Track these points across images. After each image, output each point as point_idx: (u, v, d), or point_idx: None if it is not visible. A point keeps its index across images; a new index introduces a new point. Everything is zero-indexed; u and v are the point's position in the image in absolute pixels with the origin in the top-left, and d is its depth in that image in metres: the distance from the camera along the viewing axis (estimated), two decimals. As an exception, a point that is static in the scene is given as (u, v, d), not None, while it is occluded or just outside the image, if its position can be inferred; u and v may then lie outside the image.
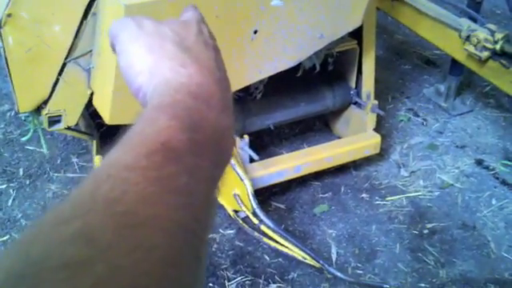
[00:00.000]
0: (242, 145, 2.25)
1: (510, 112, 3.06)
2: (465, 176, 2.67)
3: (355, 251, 2.29)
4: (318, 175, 2.57)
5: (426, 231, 2.38)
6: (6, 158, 2.72)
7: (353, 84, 2.58)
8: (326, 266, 2.11)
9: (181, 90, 0.48)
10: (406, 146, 2.84)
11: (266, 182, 2.35)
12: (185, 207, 0.39)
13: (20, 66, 1.86)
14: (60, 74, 1.92)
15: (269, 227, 2.15)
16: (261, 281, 2.16)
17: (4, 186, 2.56)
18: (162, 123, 0.43)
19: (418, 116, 3.05)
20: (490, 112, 3.09)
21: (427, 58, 3.52)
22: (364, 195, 2.55)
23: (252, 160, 2.28)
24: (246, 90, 2.32)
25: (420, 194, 2.57)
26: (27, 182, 2.58)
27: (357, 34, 2.40)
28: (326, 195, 2.55)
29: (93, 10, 1.85)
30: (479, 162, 2.75)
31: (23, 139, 2.63)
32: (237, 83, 2.07)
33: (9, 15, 1.75)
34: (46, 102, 1.97)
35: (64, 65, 1.91)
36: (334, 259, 2.25)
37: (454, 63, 2.89)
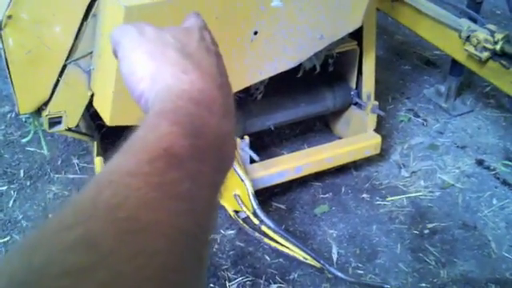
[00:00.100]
0: (243, 145, 2.25)
1: (510, 112, 3.06)
2: (465, 176, 2.67)
3: (356, 251, 2.30)
4: (319, 176, 2.57)
5: (426, 231, 2.38)
6: (6, 159, 2.73)
7: (353, 85, 2.58)
8: (327, 266, 2.11)
9: (182, 96, 0.48)
10: (407, 147, 2.84)
11: (266, 183, 2.35)
12: (187, 213, 0.39)
13: (20, 68, 1.86)
14: (60, 75, 1.92)
15: (269, 227, 2.15)
16: (261, 281, 2.16)
17: (5, 188, 2.56)
18: (163, 129, 0.43)
19: (418, 116, 3.06)
20: (490, 112, 3.09)
21: (427, 59, 3.52)
22: (365, 195, 2.55)
23: (252, 161, 2.29)
24: (247, 91, 2.32)
25: (421, 194, 2.57)
26: (28, 184, 2.59)
27: (357, 35, 2.40)
28: (327, 196, 2.55)
29: (93, 11, 1.85)
30: (480, 162, 2.75)
31: (24, 140, 2.63)
32: (237, 84, 2.07)
33: (9, 17, 1.75)
34: (46, 104, 1.98)
35: (64, 66, 1.91)
36: (334, 259, 2.25)
37: (454, 64, 2.89)
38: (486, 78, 2.63)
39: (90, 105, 2.03)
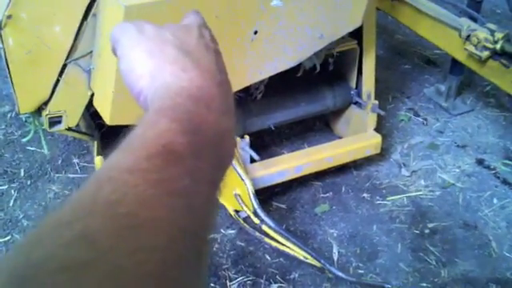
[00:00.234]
0: (243, 145, 2.25)
1: (510, 111, 3.06)
2: (466, 175, 2.67)
3: (356, 251, 2.30)
4: (319, 175, 2.57)
5: (427, 231, 2.38)
6: (6, 158, 2.73)
7: (353, 84, 2.58)
8: (328, 265, 2.11)
9: (181, 94, 0.48)
10: (407, 146, 2.84)
11: (266, 182, 2.35)
12: (185, 209, 0.39)
13: (20, 67, 1.86)
14: (60, 75, 1.92)
15: (270, 227, 2.15)
16: (262, 281, 2.16)
17: (5, 187, 2.56)
18: (162, 126, 0.43)
19: (418, 116, 3.06)
20: (490, 111, 3.08)
21: (427, 58, 3.52)
22: (365, 195, 2.55)
23: (253, 160, 2.29)
24: (247, 91, 2.32)
25: (421, 193, 2.57)
26: (28, 183, 2.59)
27: (357, 34, 2.40)
28: (327, 195, 2.55)
29: (93, 10, 1.85)
30: (480, 162, 2.75)
31: (24, 140, 2.63)
32: (237, 84, 2.07)
33: (9, 16, 1.75)
34: (46, 103, 1.98)
35: (64, 66, 1.91)
36: (335, 259, 2.25)
37: (455, 63, 2.89)
38: (486, 77, 2.63)
39: (90, 104, 2.03)
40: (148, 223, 0.35)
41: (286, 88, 2.49)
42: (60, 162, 2.70)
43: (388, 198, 2.54)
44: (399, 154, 2.78)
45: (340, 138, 2.73)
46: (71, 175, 2.63)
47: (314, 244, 2.31)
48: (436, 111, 3.09)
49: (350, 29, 2.23)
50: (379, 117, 2.61)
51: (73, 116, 2.05)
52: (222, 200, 2.29)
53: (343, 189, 2.58)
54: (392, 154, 2.79)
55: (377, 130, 2.60)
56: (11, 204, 2.48)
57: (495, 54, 2.43)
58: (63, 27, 1.84)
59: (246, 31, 1.95)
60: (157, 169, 0.39)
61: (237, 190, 2.21)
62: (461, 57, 2.65)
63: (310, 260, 2.11)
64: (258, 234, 2.19)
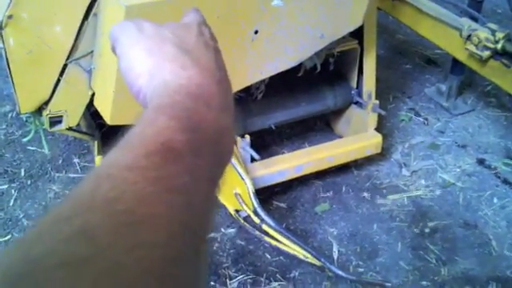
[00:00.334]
0: (244, 144, 2.26)
1: (511, 111, 3.06)
2: (466, 175, 2.67)
3: (357, 250, 2.30)
4: (320, 174, 2.57)
5: (427, 230, 2.38)
6: (7, 158, 2.73)
7: (354, 84, 2.58)
8: (328, 264, 2.11)
9: (180, 91, 0.48)
10: (408, 146, 2.84)
11: (267, 182, 2.35)
12: (184, 206, 0.39)
13: (21, 67, 1.86)
14: (61, 74, 1.92)
15: (270, 226, 2.16)
16: (262, 279, 2.16)
17: (6, 187, 2.57)
18: (161, 124, 0.43)
19: (419, 115, 3.06)
20: (491, 111, 3.08)
21: (428, 58, 3.52)
22: (365, 194, 2.55)
23: (253, 159, 2.29)
24: (247, 90, 2.32)
25: (421, 193, 2.57)
26: (29, 183, 2.59)
27: (358, 34, 2.40)
28: (328, 194, 2.55)
29: (94, 10, 1.85)
30: (481, 161, 2.75)
31: (24, 140, 2.64)
32: (238, 83, 2.08)
33: (10, 16, 1.75)
34: (47, 103, 1.98)
35: (65, 66, 1.92)
36: (335, 258, 2.25)
37: (455, 63, 2.89)
38: (487, 77, 2.63)
39: (90, 104, 2.03)
40: (147, 220, 0.35)
41: (287, 88, 2.50)
42: (60, 161, 2.70)
43: (388, 198, 2.54)
44: (400, 154, 2.78)
45: (341, 137, 2.73)
46: (72, 175, 2.63)
47: (314, 243, 2.32)
48: (437, 111, 3.09)
49: (351, 28, 2.23)
50: (380, 116, 2.61)
51: (73, 116, 2.05)
52: (223, 199, 2.30)
53: (343, 188, 2.58)
54: (393, 153, 2.79)
55: (377, 129, 2.60)
56: (11, 203, 2.48)
57: (496, 54, 2.43)
58: (64, 27, 1.84)
59: (246, 31, 1.96)
60: (156, 166, 0.39)
61: (237, 190, 2.21)
62: (462, 57, 2.65)
63: (310, 259, 2.11)
64: (258, 232, 2.20)
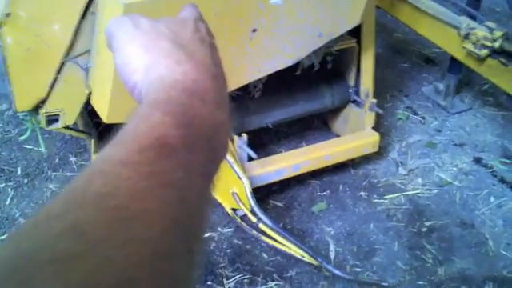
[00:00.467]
0: (241, 143, 2.25)
1: (508, 110, 3.07)
2: (463, 174, 2.67)
3: (353, 249, 2.30)
4: (317, 173, 2.57)
5: (424, 229, 2.38)
6: (4, 157, 2.72)
7: (351, 82, 2.58)
8: (325, 263, 2.11)
9: (175, 87, 0.48)
10: (405, 145, 2.84)
11: (264, 181, 2.35)
12: (177, 202, 0.39)
13: (19, 66, 1.85)
14: (58, 73, 1.92)
15: (267, 225, 2.15)
16: (259, 279, 2.16)
17: (2, 185, 2.56)
18: (155, 119, 0.43)
19: (416, 114, 3.06)
20: (488, 110, 3.09)
21: (426, 56, 3.52)
22: (362, 193, 2.55)
23: (250, 158, 2.28)
24: (245, 89, 2.32)
25: (418, 192, 2.57)
26: (25, 181, 2.59)
27: (356, 33, 2.40)
28: (325, 193, 2.55)
29: (92, 9, 1.85)
30: (477, 160, 2.75)
31: (21, 138, 2.63)
32: (236, 82, 2.07)
33: (7, 14, 1.75)
34: (44, 101, 1.97)
35: (62, 64, 1.91)
36: (332, 257, 2.25)
37: (453, 61, 2.89)
38: (484, 76, 2.63)
39: (87, 102, 2.03)
40: (139, 215, 0.35)
41: (285, 86, 2.49)
42: (57, 160, 2.70)
43: (385, 197, 2.54)
44: (397, 153, 2.78)
45: (338, 136, 2.73)
46: (68, 173, 2.63)
47: (310, 242, 2.31)
48: (434, 110, 3.09)
49: (349, 27, 2.23)
50: (377, 115, 2.61)
51: (70, 114, 2.04)
52: (220, 198, 2.30)
53: (340, 187, 2.58)
54: (390, 152, 2.79)
55: (375, 128, 2.60)
56: (8, 202, 2.48)
57: (494, 53, 2.42)
58: (62, 25, 1.84)
59: (245, 29, 1.95)
60: (149, 161, 0.39)
61: (234, 189, 2.21)
62: (459, 55, 2.65)
63: (307, 258, 2.11)
64: (255, 232, 2.19)
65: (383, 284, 2.13)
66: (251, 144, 2.28)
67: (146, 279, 0.33)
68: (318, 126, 2.91)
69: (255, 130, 2.46)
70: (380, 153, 2.71)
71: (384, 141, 2.77)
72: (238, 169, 2.18)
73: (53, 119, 2.04)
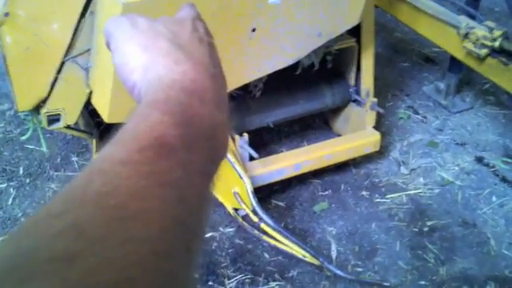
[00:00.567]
0: (242, 143, 2.25)
1: (509, 109, 3.06)
2: (465, 173, 2.67)
3: (355, 249, 2.29)
4: (318, 173, 2.57)
5: (426, 229, 2.38)
6: (5, 156, 2.73)
7: (352, 82, 2.58)
8: (326, 263, 2.11)
9: (174, 86, 0.48)
10: (406, 144, 2.84)
11: (265, 180, 2.34)
12: (177, 201, 0.39)
13: (18, 65, 1.85)
14: (58, 72, 1.92)
15: (268, 225, 2.15)
16: (261, 279, 2.16)
17: (4, 185, 2.56)
18: (154, 119, 0.43)
19: (417, 113, 3.05)
20: (489, 109, 3.08)
21: (426, 56, 3.52)
22: (364, 193, 2.55)
23: (252, 158, 2.28)
24: (245, 88, 2.32)
25: (420, 191, 2.57)
26: (27, 181, 2.59)
27: (355, 32, 2.40)
28: (326, 193, 2.55)
29: (91, 8, 1.85)
30: (479, 160, 2.75)
31: (23, 138, 2.63)
32: (236, 81, 2.07)
33: (6, 14, 1.75)
34: (44, 101, 1.97)
35: (62, 63, 1.91)
36: (333, 257, 2.25)
37: (453, 61, 2.89)
38: (484, 75, 2.63)
39: (88, 102, 2.03)
40: (139, 214, 0.35)
41: (285, 86, 2.49)
42: (59, 160, 2.70)
43: (387, 196, 2.53)
44: (398, 152, 2.78)
45: (339, 135, 2.73)
46: (70, 173, 2.63)
47: (312, 242, 2.31)
48: (435, 109, 3.09)
49: (349, 26, 2.23)
50: (378, 114, 2.61)
51: (71, 114, 2.04)
52: (221, 198, 2.30)
53: (342, 187, 2.58)
54: (391, 151, 2.79)
55: (376, 127, 2.60)
56: (10, 202, 2.48)
57: (494, 52, 2.42)
58: (61, 25, 1.84)
59: (244, 29, 1.95)
60: (149, 161, 0.39)
61: (235, 188, 2.21)
62: (459, 55, 2.65)
63: (309, 258, 2.11)
64: (256, 232, 2.19)
65: (385, 284, 2.13)
66: (252, 143, 2.28)
67: (144, 278, 0.33)
68: (319, 125, 2.91)
69: (256, 130, 2.46)
70: (381, 152, 2.71)
71: (385, 140, 2.77)
72: (239, 168, 2.18)
73: (54, 119, 2.04)
